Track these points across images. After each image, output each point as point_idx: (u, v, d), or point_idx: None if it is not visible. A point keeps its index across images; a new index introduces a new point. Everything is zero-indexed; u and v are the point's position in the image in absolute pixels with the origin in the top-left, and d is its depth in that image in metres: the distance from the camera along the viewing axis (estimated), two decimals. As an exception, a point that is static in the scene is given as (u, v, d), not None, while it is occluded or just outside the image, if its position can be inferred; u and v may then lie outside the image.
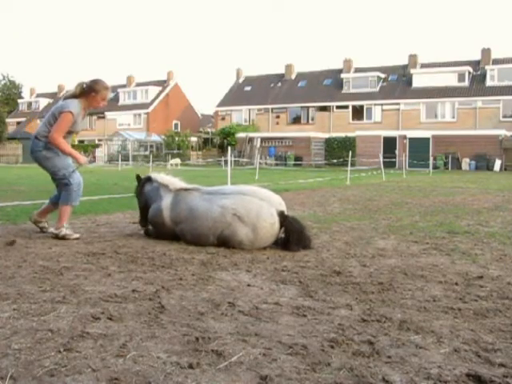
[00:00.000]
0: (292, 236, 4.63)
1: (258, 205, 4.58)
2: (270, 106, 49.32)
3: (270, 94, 50.32)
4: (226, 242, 4.61)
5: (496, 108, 40.73)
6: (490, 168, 33.73)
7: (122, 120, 58.17)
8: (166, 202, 5.00)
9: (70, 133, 5.19)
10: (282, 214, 4.65)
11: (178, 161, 35.21)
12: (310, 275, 3.68)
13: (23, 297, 2.99)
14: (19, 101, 68.26)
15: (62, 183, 5.17)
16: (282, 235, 4.77)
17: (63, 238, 5.04)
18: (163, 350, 2.21)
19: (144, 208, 5.31)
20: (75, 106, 5.05)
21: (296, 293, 3.21)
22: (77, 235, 5.12)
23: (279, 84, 51.46)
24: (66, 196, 5.15)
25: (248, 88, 52.78)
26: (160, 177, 5.29)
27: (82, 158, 5.18)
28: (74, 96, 5.13)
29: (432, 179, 20.11)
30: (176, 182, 5.22)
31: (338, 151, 39.32)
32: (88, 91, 5.11)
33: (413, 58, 47.13)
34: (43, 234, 5.32)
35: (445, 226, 6.40)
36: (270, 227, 4.58)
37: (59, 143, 5.01)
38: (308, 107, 47.79)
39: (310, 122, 47.44)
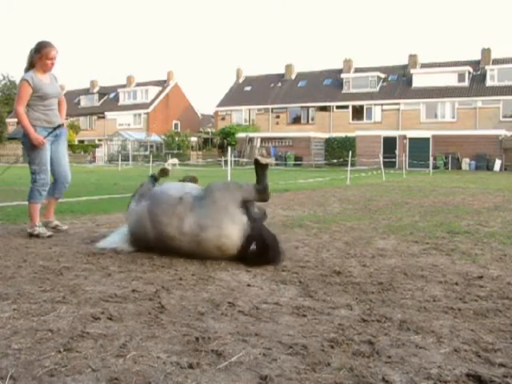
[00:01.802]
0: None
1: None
2: (270, 106, 49.35)
3: (270, 94, 50.35)
4: None
5: (496, 108, 40.76)
6: (489, 168, 33.74)
7: (122, 120, 58.21)
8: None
9: (42, 98, 5.18)
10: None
11: (175, 161, 35.10)
12: (310, 275, 3.68)
13: (23, 297, 2.99)
14: (19, 101, 68.19)
15: (31, 176, 5.23)
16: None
17: (37, 236, 5.10)
18: (163, 349, 2.21)
19: None
20: (28, 74, 5.16)
21: (296, 293, 3.21)
22: (49, 233, 5.17)
23: (279, 84, 51.49)
24: (29, 193, 5.25)
25: (248, 88, 52.81)
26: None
27: (36, 140, 5.07)
28: (29, 67, 5.23)
29: (432, 179, 20.11)
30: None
31: (338, 151, 39.34)
32: (35, 56, 5.18)
33: (413, 58, 47.16)
34: (57, 231, 5.42)
35: (445, 226, 6.40)
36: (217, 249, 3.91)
37: (19, 114, 5.11)
38: (308, 107, 47.82)
39: (310, 122, 47.48)
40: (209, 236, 3.78)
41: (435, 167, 32.39)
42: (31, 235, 5.12)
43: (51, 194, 5.44)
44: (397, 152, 36.70)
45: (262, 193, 3.86)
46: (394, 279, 3.59)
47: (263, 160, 3.96)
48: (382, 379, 1.95)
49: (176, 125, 57.36)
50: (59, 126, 5.36)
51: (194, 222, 3.82)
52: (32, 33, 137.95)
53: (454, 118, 42.25)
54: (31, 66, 5.20)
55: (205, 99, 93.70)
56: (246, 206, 3.86)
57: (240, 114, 50.91)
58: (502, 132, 35.63)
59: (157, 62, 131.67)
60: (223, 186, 3.95)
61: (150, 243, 4.15)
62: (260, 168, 3.96)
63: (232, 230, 3.75)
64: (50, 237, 5.11)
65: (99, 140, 54.32)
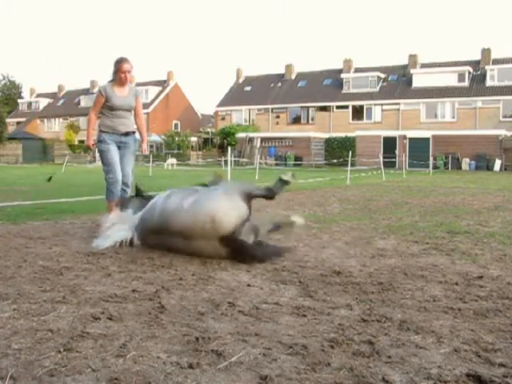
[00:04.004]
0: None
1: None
2: (270, 106, 49.31)
3: (270, 94, 50.32)
4: None
5: (496, 108, 40.73)
6: (489, 168, 33.72)
7: (122, 120, 58.15)
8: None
9: (111, 108, 5.54)
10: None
11: (173, 161, 35.07)
12: (310, 275, 3.68)
13: (23, 297, 2.99)
14: (19, 101, 68.21)
15: (104, 176, 5.66)
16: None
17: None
18: (163, 349, 2.21)
19: None
20: (103, 85, 5.61)
21: (296, 293, 3.21)
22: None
23: (279, 84, 51.46)
24: (105, 192, 5.69)
25: (248, 88, 52.77)
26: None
27: (88, 142, 5.76)
28: (111, 80, 5.62)
29: (432, 179, 20.11)
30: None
31: (338, 151, 39.33)
32: (113, 70, 5.55)
33: (413, 58, 47.12)
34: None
35: (445, 226, 6.40)
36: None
37: (88, 119, 5.77)
38: (308, 107, 47.79)
39: (310, 122, 47.43)
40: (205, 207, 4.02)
41: (435, 167, 32.37)
42: None
43: None
44: (397, 152, 36.68)
45: (271, 193, 4.31)
46: (394, 279, 3.59)
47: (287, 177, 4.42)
48: (381, 379, 1.95)
49: (176, 125, 57.32)
50: (127, 134, 5.69)
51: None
52: (32, 33, 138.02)
53: (454, 118, 42.22)
54: (113, 79, 5.60)
55: (205, 99, 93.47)
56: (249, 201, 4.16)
57: (240, 114, 50.87)
58: (502, 132, 35.61)
59: (157, 62, 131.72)
60: (230, 181, 4.40)
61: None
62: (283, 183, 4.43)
63: (228, 207, 3.99)
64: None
65: (99, 140, 54.24)
